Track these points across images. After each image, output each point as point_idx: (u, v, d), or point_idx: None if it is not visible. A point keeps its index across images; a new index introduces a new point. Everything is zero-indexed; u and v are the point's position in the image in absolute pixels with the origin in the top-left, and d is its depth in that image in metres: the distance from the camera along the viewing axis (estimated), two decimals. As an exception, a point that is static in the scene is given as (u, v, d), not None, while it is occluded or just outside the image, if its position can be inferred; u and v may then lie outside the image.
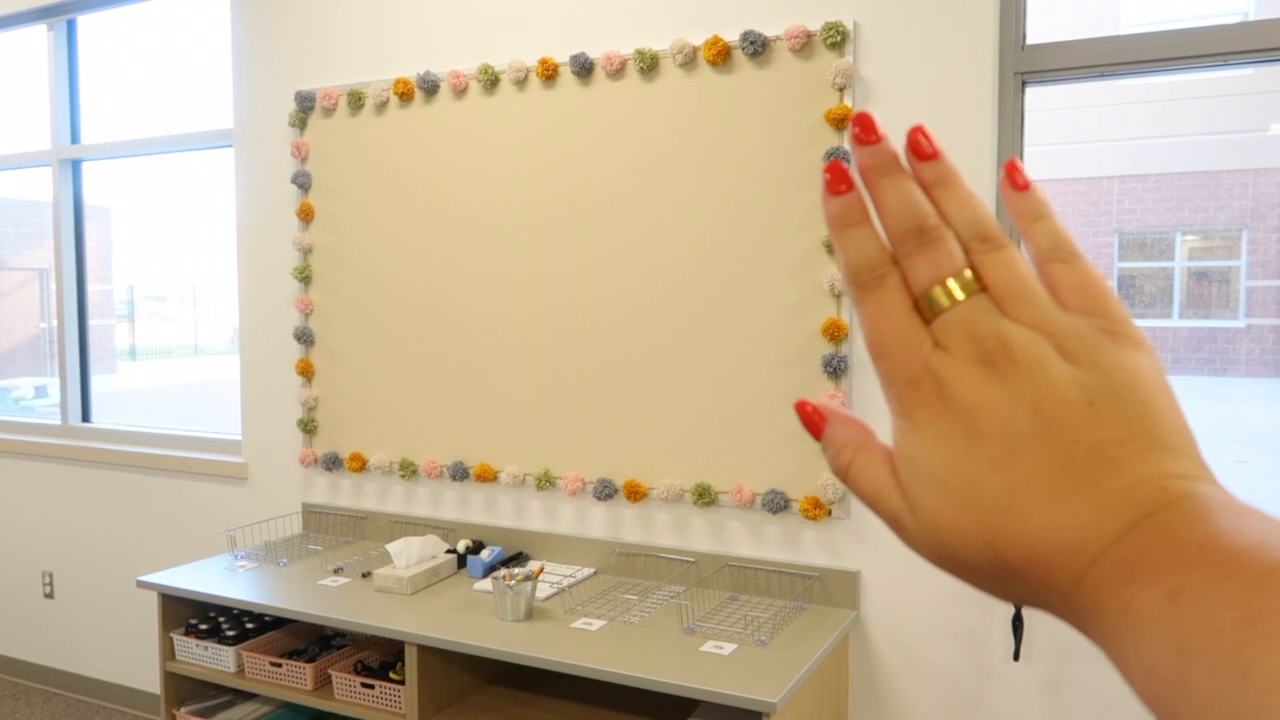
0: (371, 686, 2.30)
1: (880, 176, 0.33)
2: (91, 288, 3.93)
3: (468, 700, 2.38)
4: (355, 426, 3.02)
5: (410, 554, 2.52)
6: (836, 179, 0.33)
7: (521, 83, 2.69)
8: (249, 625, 2.61)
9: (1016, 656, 2.24)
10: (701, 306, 2.49)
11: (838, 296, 2.33)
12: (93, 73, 3.84)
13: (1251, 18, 10.47)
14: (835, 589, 2.37)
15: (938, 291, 0.31)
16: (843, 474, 0.34)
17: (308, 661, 2.42)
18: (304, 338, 3.08)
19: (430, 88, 2.81)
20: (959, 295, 0.31)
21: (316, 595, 2.45)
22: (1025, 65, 2.21)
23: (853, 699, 2.40)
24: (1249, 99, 12.46)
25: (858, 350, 2.34)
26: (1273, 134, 12.65)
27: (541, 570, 2.42)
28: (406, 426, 2.93)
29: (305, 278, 3.07)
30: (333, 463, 3.04)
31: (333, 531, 3.06)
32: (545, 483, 2.70)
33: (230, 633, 2.56)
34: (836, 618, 2.29)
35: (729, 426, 2.47)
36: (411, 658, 2.22)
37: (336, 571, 2.64)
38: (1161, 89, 12.68)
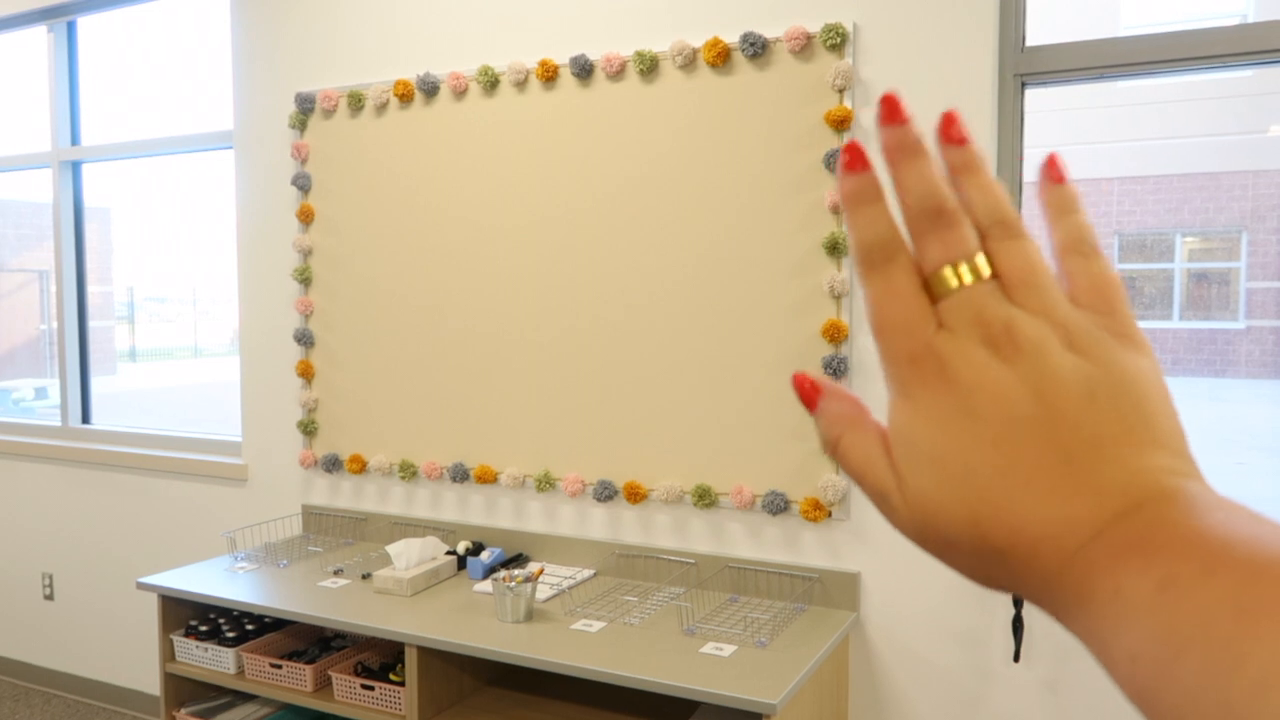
0: (371, 688, 2.30)
1: (903, 157, 0.33)
2: (91, 289, 3.93)
3: (467, 702, 2.37)
4: (355, 428, 3.02)
5: (410, 555, 2.52)
6: (854, 158, 0.33)
7: (521, 84, 2.69)
8: (249, 627, 2.61)
9: (1017, 658, 2.24)
10: (701, 308, 2.49)
11: (837, 298, 2.33)
12: (93, 74, 3.84)
13: (1251, 19, 10.48)
14: (835, 590, 2.37)
15: (948, 272, 0.32)
16: (832, 447, 0.34)
17: (308, 663, 2.42)
18: (304, 339, 3.08)
19: (430, 89, 2.81)
20: (969, 278, 0.31)
21: (316, 597, 2.45)
22: (1025, 67, 2.21)
23: (853, 700, 2.40)
24: (1249, 101, 12.47)
25: (858, 351, 2.34)
26: (1272, 136, 12.66)
27: (541, 572, 2.42)
28: (406, 428, 2.93)
29: (305, 279, 3.07)
30: (333, 464, 3.04)
31: (333, 533, 3.06)
32: (545, 484, 2.70)
33: (230, 634, 2.56)
34: (836, 619, 2.29)
35: (729, 428, 2.47)
36: (411, 659, 2.22)
37: (336, 573, 2.64)
38: (1161, 91, 12.68)
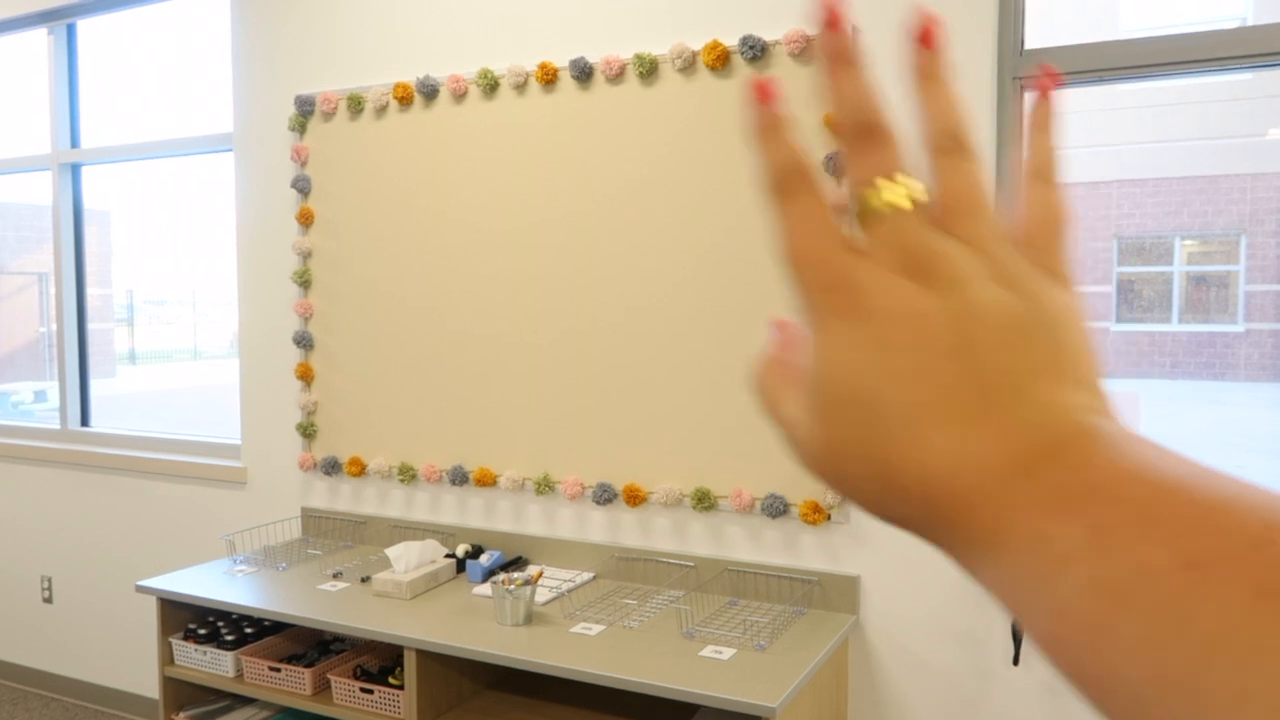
0: (370, 691, 2.30)
1: (837, 66, 0.31)
2: (91, 292, 3.92)
3: (467, 705, 2.37)
4: (354, 431, 3.02)
5: (409, 558, 2.52)
6: (762, 90, 0.32)
7: (521, 87, 2.70)
8: (248, 630, 2.60)
9: (1016, 660, 2.24)
10: (700, 311, 2.49)
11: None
12: (93, 77, 3.84)
13: (1250, 23, 10.48)
14: (834, 593, 2.37)
15: (869, 191, 0.30)
16: (758, 374, 0.33)
17: (307, 666, 2.42)
18: (303, 342, 3.08)
19: (430, 92, 2.82)
20: (892, 197, 0.29)
21: (315, 600, 2.45)
22: (1024, 69, 2.22)
23: (852, 703, 2.40)
24: (1247, 104, 12.49)
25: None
26: (1271, 139, 12.67)
27: (540, 575, 2.42)
28: (406, 431, 2.93)
29: (305, 282, 3.07)
30: (332, 467, 3.04)
31: (332, 536, 3.06)
32: (544, 487, 2.69)
33: (229, 637, 2.56)
34: (836, 622, 2.29)
35: (728, 431, 2.47)
36: (410, 662, 2.21)
37: (336, 576, 2.64)
38: (1160, 94, 12.70)
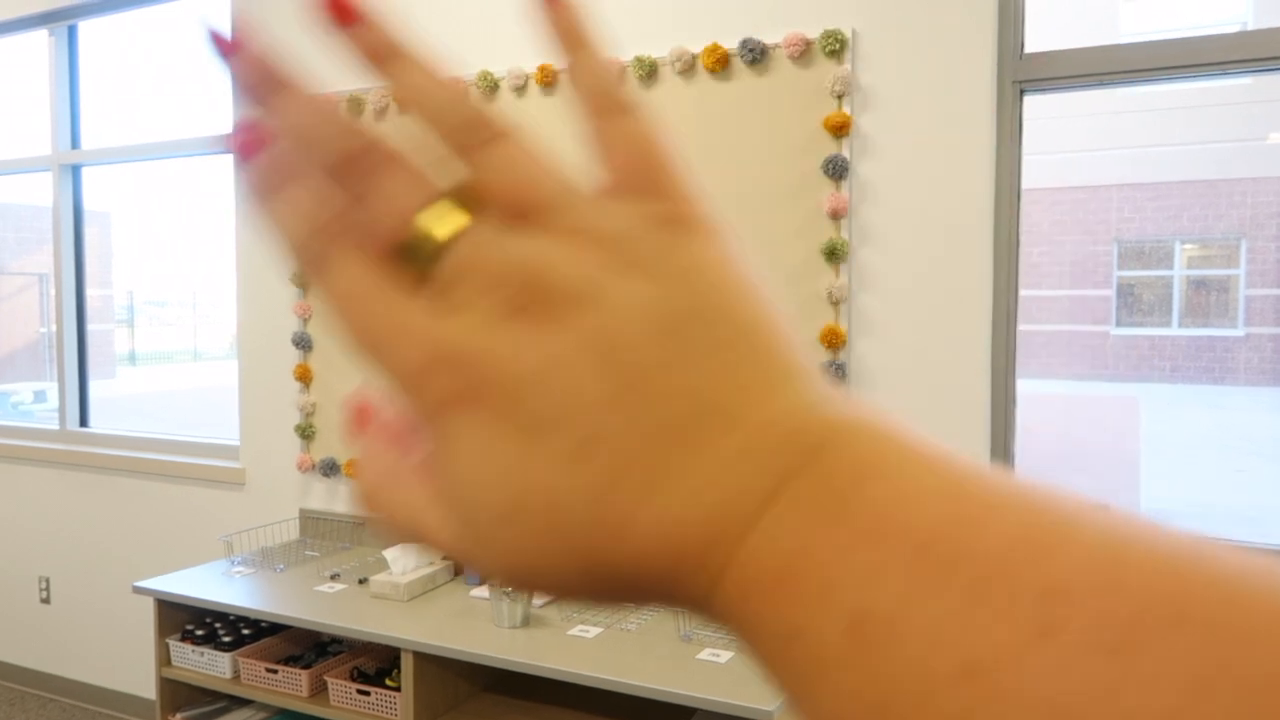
0: (367, 693, 2.30)
1: (272, 97, 0.24)
2: (91, 293, 3.93)
3: (464, 707, 2.37)
4: (353, 432, 3.02)
5: (407, 560, 2.52)
6: (245, 140, 0.24)
7: (521, 89, 2.70)
8: (245, 631, 2.60)
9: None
10: (700, 313, 2.49)
11: (836, 304, 2.33)
12: (93, 78, 3.85)
13: (1250, 27, 10.50)
14: (833, 597, 2.36)
15: (416, 231, 0.22)
16: (368, 499, 0.25)
17: (304, 668, 2.42)
18: (302, 343, 3.08)
19: (430, 94, 2.82)
20: (450, 226, 0.22)
21: (313, 601, 2.44)
22: (1024, 74, 2.22)
23: (850, 707, 2.40)
24: (1247, 108, 12.50)
25: (856, 358, 2.34)
26: (1271, 143, 12.69)
27: (539, 577, 2.42)
28: (404, 432, 2.93)
29: (304, 283, 3.07)
30: (330, 468, 3.04)
31: (330, 537, 3.06)
32: (543, 489, 2.69)
33: (226, 639, 2.56)
34: (834, 626, 2.28)
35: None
36: (408, 664, 2.21)
37: (333, 578, 2.63)
38: (1160, 98, 12.72)
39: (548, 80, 2.64)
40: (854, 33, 2.31)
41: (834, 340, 2.32)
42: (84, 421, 3.86)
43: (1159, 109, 12.79)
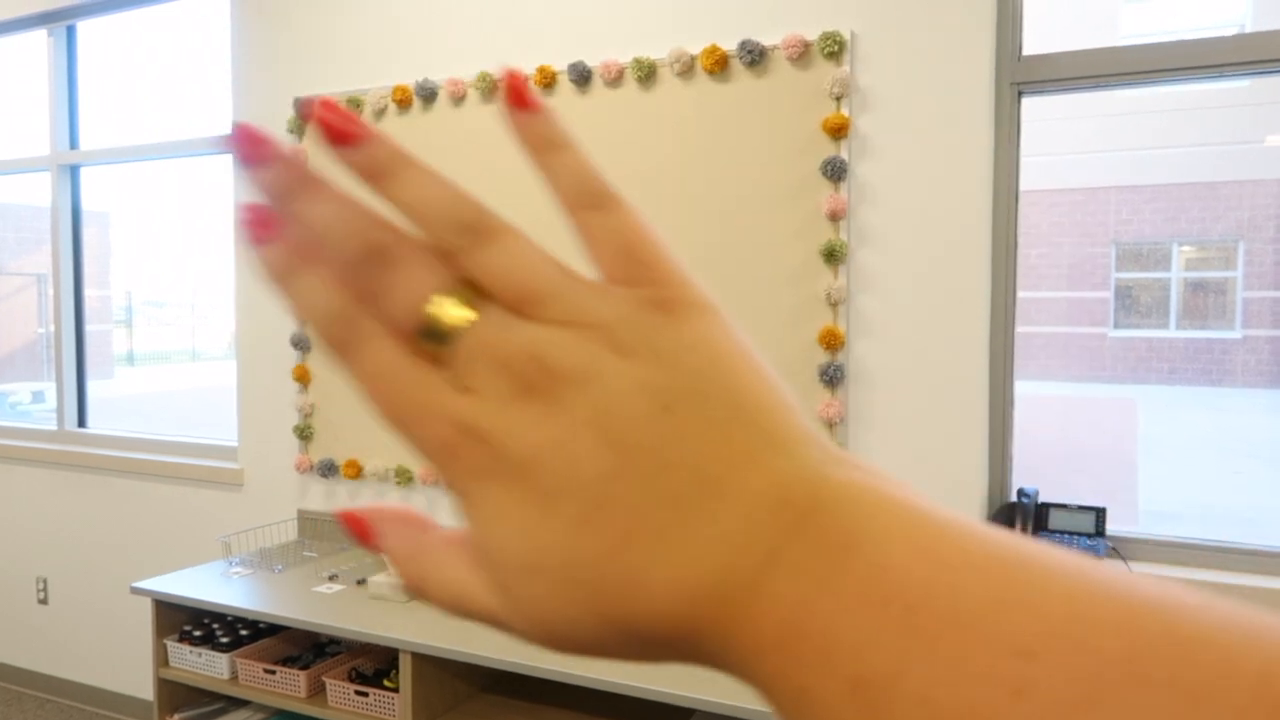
0: (365, 694, 2.30)
1: (295, 200, 0.25)
2: (89, 293, 3.93)
3: (462, 708, 2.37)
4: (351, 433, 3.02)
5: (405, 561, 2.52)
6: (255, 224, 0.25)
7: (520, 90, 2.70)
8: (243, 632, 2.60)
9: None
10: (698, 315, 2.49)
11: (834, 305, 2.34)
12: (92, 78, 3.85)
13: (1248, 30, 10.51)
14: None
15: (429, 319, 0.24)
16: (415, 589, 0.27)
17: (302, 668, 2.42)
18: (301, 344, 3.08)
19: (428, 95, 2.82)
20: (456, 315, 0.24)
21: (311, 602, 2.44)
22: (1022, 76, 2.22)
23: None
24: (1245, 110, 12.52)
25: (855, 359, 2.34)
26: (1269, 145, 12.71)
27: (537, 578, 2.42)
28: (403, 433, 2.93)
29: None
30: (328, 469, 3.04)
31: (328, 538, 3.05)
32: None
33: (224, 639, 2.55)
34: (832, 627, 2.28)
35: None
36: (406, 665, 2.21)
37: (331, 578, 2.63)
38: (1158, 100, 12.73)
39: (547, 82, 2.64)
40: (853, 34, 2.31)
41: (832, 341, 2.32)
42: (82, 422, 3.86)
43: (1157, 111, 12.81)
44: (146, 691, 3.56)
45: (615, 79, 2.57)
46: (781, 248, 2.39)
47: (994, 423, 2.26)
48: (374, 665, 2.48)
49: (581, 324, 0.24)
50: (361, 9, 2.97)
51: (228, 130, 0.25)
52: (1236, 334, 13.12)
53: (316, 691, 2.41)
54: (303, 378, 3.08)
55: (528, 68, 2.69)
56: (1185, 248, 13.47)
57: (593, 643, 0.24)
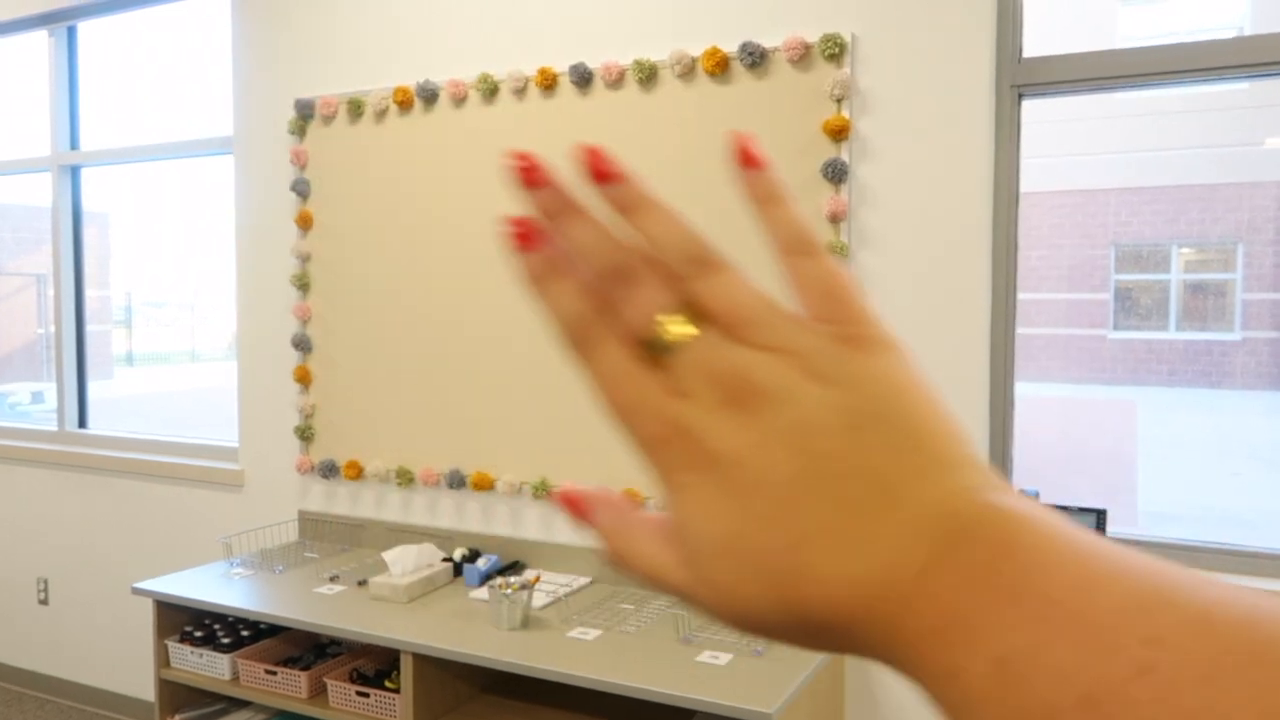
0: (367, 695, 2.30)
1: (560, 220, 0.30)
2: (89, 293, 3.92)
3: (463, 709, 2.37)
4: (352, 434, 3.02)
5: (406, 562, 2.52)
6: (520, 235, 0.30)
7: (521, 92, 2.70)
8: (244, 633, 2.60)
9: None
10: (699, 316, 2.50)
11: (835, 307, 2.34)
12: (93, 79, 3.85)
13: (1247, 32, 10.51)
14: (831, 599, 2.37)
15: (659, 331, 0.29)
16: (617, 561, 0.31)
17: (303, 669, 2.42)
18: (302, 345, 3.08)
19: (429, 96, 2.82)
20: (680, 331, 0.29)
21: (312, 603, 2.45)
22: (1022, 78, 2.22)
23: (849, 710, 2.40)
24: (1244, 113, 12.53)
25: (855, 360, 2.34)
26: (1268, 148, 12.71)
27: (538, 579, 2.42)
28: (403, 434, 2.93)
29: (303, 285, 3.07)
30: (329, 470, 3.04)
31: (329, 539, 3.06)
32: (542, 491, 2.70)
33: (225, 640, 2.56)
34: (832, 628, 2.29)
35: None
36: (407, 666, 2.21)
37: (332, 579, 2.63)
38: (1158, 102, 12.74)
39: (547, 83, 2.64)
40: (853, 37, 2.31)
41: (833, 343, 2.32)
42: (82, 423, 3.86)
43: (1156, 113, 12.81)
44: (147, 692, 3.56)
45: (616, 80, 2.57)
46: (782, 249, 2.39)
47: (994, 424, 2.26)
48: (375, 666, 2.48)
49: (785, 350, 0.28)
50: (363, 10, 2.97)
51: (511, 156, 0.30)
52: (1236, 336, 13.12)
53: (317, 692, 2.41)
54: (303, 378, 3.08)
55: (528, 69, 2.69)
56: (1185, 250, 13.47)
57: (764, 622, 0.27)
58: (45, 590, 3.82)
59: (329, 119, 3.01)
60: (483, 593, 2.50)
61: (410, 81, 2.87)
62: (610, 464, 2.62)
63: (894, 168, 2.29)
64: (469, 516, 2.85)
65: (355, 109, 2.94)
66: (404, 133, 2.89)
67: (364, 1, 2.97)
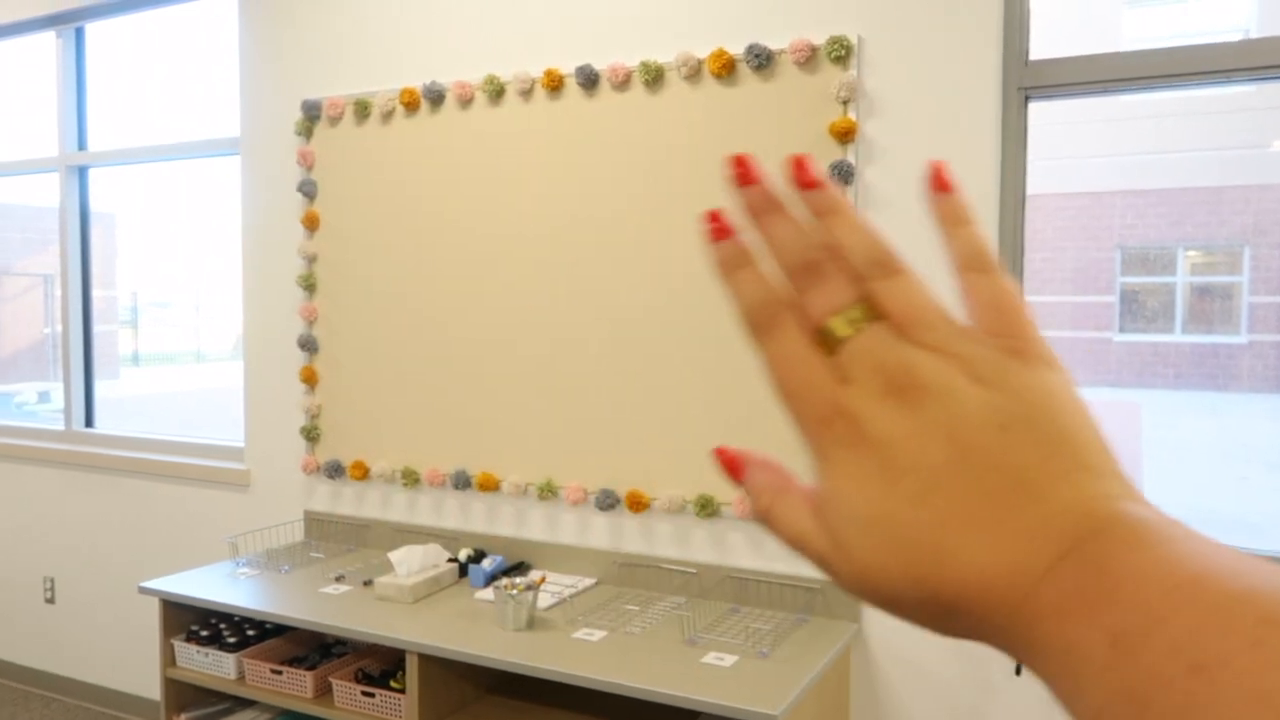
0: (372, 695, 2.30)
1: (763, 216, 0.33)
2: (96, 293, 3.94)
3: (468, 709, 2.37)
4: (358, 434, 3.03)
5: (412, 562, 2.52)
6: (717, 226, 0.33)
7: (527, 93, 2.71)
8: (250, 632, 2.61)
9: (1019, 671, 2.24)
10: (704, 317, 2.50)
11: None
12: (100, 80, 3.86)
13: (1253, 35, 10.49)
14: (837, 601, 2.37)
15: (835, 323, 0.31)
16: (763, 516, 0.33)
17: (308, 669, 2.42)
18: (308, 345, 3.09)
19: (436, 98, 2.83)
20: (854, 327, 0.31)
21: (318, 603, 2.45)
22: (1029, 80, 2.22)
23: (854, 712, 2.40)
24: (1251, 115, 12.49)
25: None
26: (1274, 150, 12.68)
27: (543, 580, 2.43)
28: (409, 435, 2.94)
29: (309, 286, 3.08)
30: (335, 470, 3.05)
31: (335, 539, 3.06)
32: (547, 492, 2.70)
33: (231, 639, 2.56)
34: (838, 630, 2.29)
35: (731, 437, 2.48)
36: (412, 666, 2.22)
37: (338, 579, 2.64)
38: (1164, 105, 12.71)
39: (554, 85, 2.65)
40: (860, 39, 2.32)
41: (839, 345, 2.32)
42: (89, 422, 3.87)
43: (1162, 116, 12.78)
44: (153, 691, 3.57)
45: (622, 82, 2.57)
46: (788, 251, 2.39)
47: (1000, 427, 2.25)
48: (381, 666, 2.48)
49: (949, 353, 0.30)
50: (369, 12, 2.98)
51: (730, 157, 0.33)
52: (1242, 339, 13.08)
53: (323, 692, 2.41)
54: (309, 379, 3.09)
55: (535, 70, 2.70)
56: (1191, 252, 13.43)
57: (895, 597, 0.29)
58: (51, 589, 3.83)
59: (336, 120, 3.02)
60: (488, 593, 2.50)
61: (417, 83, 2.88)
62: (614, 465, 2.62)
63: (900, 170, 2.29)
64: (474, 517, 2.85)
65: (362, 110, 2.95)
66: (410, 134, 2.89)
67: (371, 3, 2.97)
